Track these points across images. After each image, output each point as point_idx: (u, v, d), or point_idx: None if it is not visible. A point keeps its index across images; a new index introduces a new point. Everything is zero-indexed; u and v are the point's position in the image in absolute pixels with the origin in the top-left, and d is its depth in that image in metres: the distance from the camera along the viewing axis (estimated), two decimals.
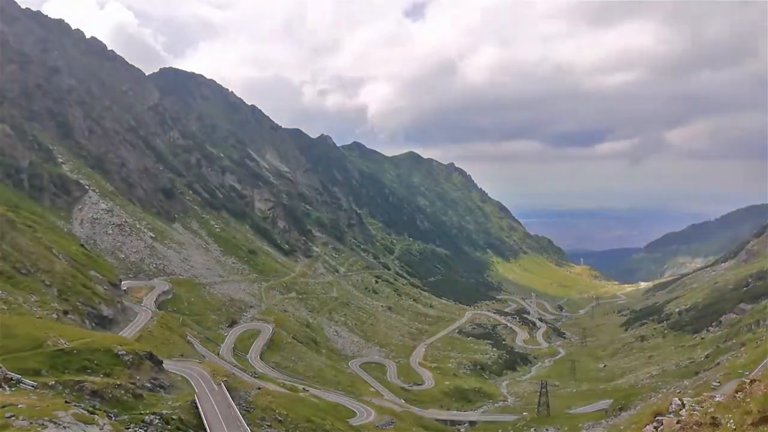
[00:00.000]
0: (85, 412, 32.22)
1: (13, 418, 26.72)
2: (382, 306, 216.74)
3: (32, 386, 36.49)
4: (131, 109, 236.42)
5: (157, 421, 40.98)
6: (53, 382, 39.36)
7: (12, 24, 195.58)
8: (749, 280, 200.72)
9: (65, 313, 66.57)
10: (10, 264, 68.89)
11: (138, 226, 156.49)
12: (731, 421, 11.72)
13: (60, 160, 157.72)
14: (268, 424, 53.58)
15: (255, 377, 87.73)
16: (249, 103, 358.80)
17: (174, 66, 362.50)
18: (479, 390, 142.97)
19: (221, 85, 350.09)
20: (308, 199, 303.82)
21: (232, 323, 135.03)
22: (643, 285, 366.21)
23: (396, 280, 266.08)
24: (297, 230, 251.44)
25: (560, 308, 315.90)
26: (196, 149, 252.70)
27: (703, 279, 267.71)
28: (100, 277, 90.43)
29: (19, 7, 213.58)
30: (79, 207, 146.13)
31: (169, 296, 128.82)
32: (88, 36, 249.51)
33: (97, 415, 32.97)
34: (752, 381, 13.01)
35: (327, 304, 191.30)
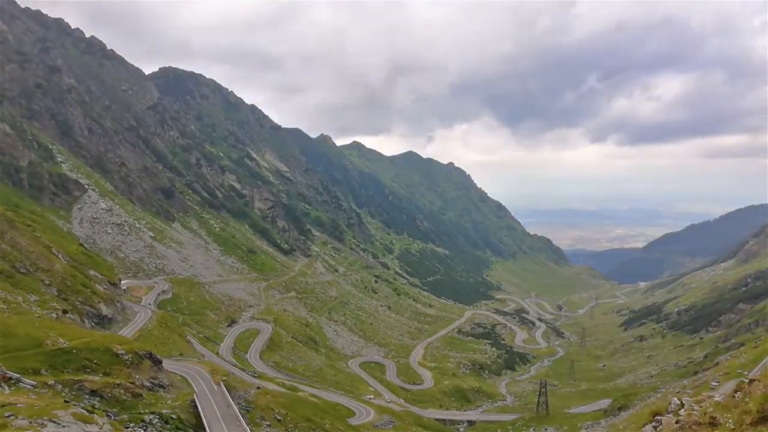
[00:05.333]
0: (85, 411, 32.23)
1: (12, 417, 26.71)
2: (381, 305, 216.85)
3: (32, 385, 36.48)
4: (131, 109, 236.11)
5: (156, 420, 40.98)
6: (53, 382, 39.32)
7: (12, 24, 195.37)
8: (748, 280, 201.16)
9: (65, 312, 66.51)
10: (9, 263, 68.84)
11: (137, 225, 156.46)
12: (730, 420, 11.74)
13: (59, 160, 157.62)
14: (268, 423, 53.58)
15: (254, 377, 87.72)
16: (249, 103, 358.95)
17: (173, 65, 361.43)
18: (478, 389, 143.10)
19: (221, 85, 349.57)
20: (308, 198, 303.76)
21: (232, 322, 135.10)
22: (642, 285, 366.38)
23: (395, 279, 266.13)
24: (296, 230, 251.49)
25: (559, 308, 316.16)
26: (195, 149, 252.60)
27: (702, 279, 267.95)
28: (100, 276, 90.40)
29: (19, 6, 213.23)
30: (79, 206, 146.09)
31: (169, 295, 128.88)
32: (87, 35, 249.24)
33: (97, 414, 32.99)
34: (751, 381, 13.04)
35: (326, 304, 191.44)
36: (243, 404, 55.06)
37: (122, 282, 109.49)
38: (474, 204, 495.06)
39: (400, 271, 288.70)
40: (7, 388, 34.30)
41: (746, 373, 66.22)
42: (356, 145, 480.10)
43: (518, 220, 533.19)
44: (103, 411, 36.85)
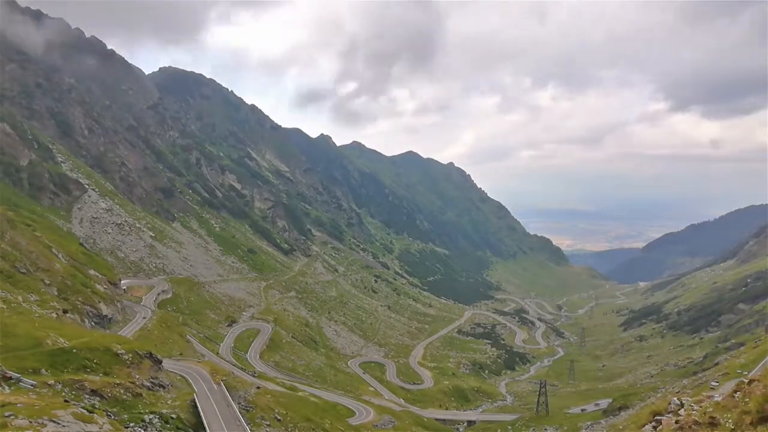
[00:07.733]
0: (85, 411, 32.24)
1: (12, 416, 26.69)
2: (381, 305, 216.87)
3: (32, 385, 36.47)
4: (131, 109, 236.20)
5: (156, 420, 40.96)
6: (53, 381, 39.29)
7: (12, 23, 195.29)
8: (748, 281, 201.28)
9: (65, 312, 66.53)
10: (9, 263, 68.81)
11: (137, 225, 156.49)
12: (730, 420, 11.76)
13: (59, 159, 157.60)
14: (267, 423, 53.57)
15: (254, 376, 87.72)
16: (249, 103, 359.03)
17: (173, 65, 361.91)
18: (478, 389, 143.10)
19: (221, 84, 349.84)
20: (308, 198, 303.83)
21: (232, 322, 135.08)
22: (642, 285, 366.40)
23: (395, 279, 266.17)
24: (296, 229, 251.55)
25: (559, 308, 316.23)
26: (195, 148, 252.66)
27: (702, 279, 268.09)
28: (100, 276, 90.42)
29: (19, 6, 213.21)
30: (79, 206, 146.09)
31: (169, 295, 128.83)
32: (87, 35, 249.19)
33: (97, 414, 32.99)
34: (751, 381, 13.05)
35: (326, 304, 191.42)
36: (243, 404, 55.06)
37: (122, 282, 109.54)
38: (474, 204, 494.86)
39: (400, 271, 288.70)
40: (7, 387, 34.31)
41: (746, 373, 66.25)
42: (356, 145, 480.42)
43: (518, 220, 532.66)
44: (103, 411, 36.85)
